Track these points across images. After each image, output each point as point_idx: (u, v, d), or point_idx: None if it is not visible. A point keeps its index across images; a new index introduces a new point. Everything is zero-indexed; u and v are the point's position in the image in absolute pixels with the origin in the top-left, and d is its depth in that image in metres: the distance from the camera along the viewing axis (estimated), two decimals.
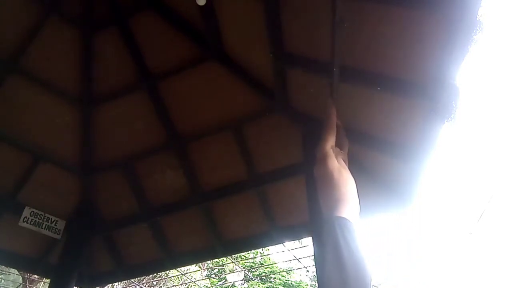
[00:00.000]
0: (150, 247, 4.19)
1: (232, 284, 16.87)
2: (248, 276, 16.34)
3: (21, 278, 13.20)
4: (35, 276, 11.86)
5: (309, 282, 16.63)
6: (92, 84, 3.74)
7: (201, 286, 15.98)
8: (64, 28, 3.45)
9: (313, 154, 1.10)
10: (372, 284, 0.82)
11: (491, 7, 1.78)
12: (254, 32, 2.95)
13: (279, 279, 15.75)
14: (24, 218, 3.68)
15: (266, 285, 15.63)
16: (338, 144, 1.15)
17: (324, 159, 1.05)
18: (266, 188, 3.65)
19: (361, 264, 0.82)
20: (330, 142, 1.10)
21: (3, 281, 14.05)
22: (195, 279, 15.78)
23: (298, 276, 17.02)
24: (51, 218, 3.88)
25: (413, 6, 2.03)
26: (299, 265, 14.59)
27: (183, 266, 10.91)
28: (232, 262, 15.43)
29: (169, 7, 3.30)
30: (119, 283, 14.12)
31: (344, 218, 0.91)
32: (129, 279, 11.08)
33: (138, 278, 13.46)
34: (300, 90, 3.05)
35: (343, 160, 1.08)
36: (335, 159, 1.05)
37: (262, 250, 15.67)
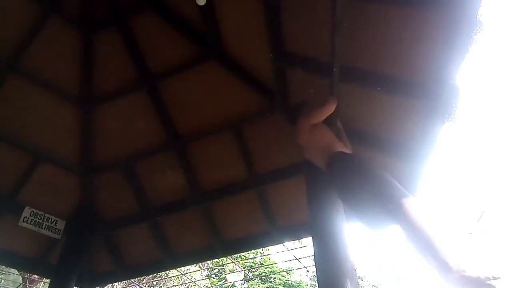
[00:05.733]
0: (150, 247, 4.19)
1: (232, 284, 16.87)
2: (248, 276, 16.34)
3: (21, 278, 13.20)
4: (35, 276, 11.86)
5: (309, 282, 16.64)
6: (92, 84, 3.74)
7: (201, 286, 15.98)
8: (64, 28, 3.45)
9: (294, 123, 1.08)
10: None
11: (491, 7, 1.78)
12: (254, 32, 2.95)
13: (279, 279, 15.76)
14: (24, 218, 3.68)
15: (266, 285, 15.63)
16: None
17: (302, 131, 1.03)
18: (266, 188, 3.65)
19: (387, 177, 0.82)
20: (312, 120, 1.04)
21: (3, 281, 14.05)
22: (195, 279, 15.78)
23: (298, 276, 17.03)
24: (51, 218, 3.88)
25: (413, 6, 2.03)
26: (299, 265, 14.59)
27: (183, 266, 10.90)
28: (232, 262, 15.43)
29: (169, 7, 3.30)
30: (119, 283, 14.12)
31: (344, 152, 0.93)
32: (129, 279, 11.07)
33: (138, 278, 13.46)
34: (300, 90, 3.05)
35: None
36: (309, 129, 1.02)
37: (262, 250, 15.68)
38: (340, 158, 0.91)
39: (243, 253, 14.06)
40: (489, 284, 0.62)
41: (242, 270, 16.12)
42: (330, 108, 1.09)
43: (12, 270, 12.27)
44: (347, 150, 0.96)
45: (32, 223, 3.73)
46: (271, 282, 15.78)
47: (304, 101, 2.68)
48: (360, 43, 2.33)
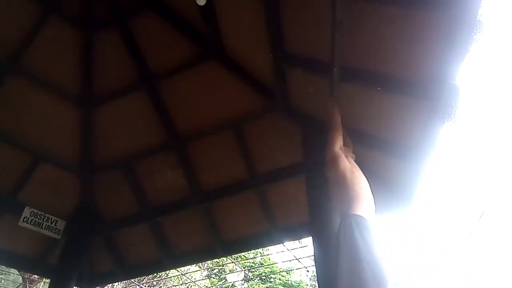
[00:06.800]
0: (150, 247, 4.19)
1: (232, 284, 16.86)
2: (248, 276, 16.33)
3: (21, 278, 13.18)
4: (35, 276, 11.85)
5: (309, 282, 16.62)
6: (92, 84, 3.73)
7: (201, 286, 15.97)
8: (64, 28, 3.45)
9: (322, 155, 1.10)
10: (391, 281, 0.80)
11: (491, 7, 1.78)
12: (254, 32, 2.95)
13: (279, 279, 15.74)
14: (24, 218, 3.68)
15: (266, 285, 15.62)
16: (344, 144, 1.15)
17: (335, 160, 1.05)
18: (266, 188, 3.65)
19: (379, 260, 0.81)
20: (339, 143, 1.10)
21: (3, 281, 14.04)
22: (195, 279, 15.76)
23: (298, 276, 17.02)
24: (51, 218, 3.88)
25: (413, 6, 2.04)
26: (299, 265, 14.58)
27: (183, 266, 10.88)
28: (232, 262, 15.42)
29: (169, 7, 3.30)
30: (119, 283, 14.11)
31: (360, 216, 0.90)
32: (129, 279, 11.06)
33: (138, 278, 13.45)
34: (300, 90, 3.05)
35: (352, 159, 1.08)
36: (345, 159, 1.04)
37: (262, 250, 15.66)
38: (352, 226, 0.87)
39: (243, 253, 14.05)
40: None
41: (242, 270, 16.11)
42: (333, 107, 1.12)
43: (12, 270, 12.26)
44: (369, 214, 0.92)
45: (32, 223, 3.72)
46: (271, 282, 15.77)
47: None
48: (360, 43, 2.33)
